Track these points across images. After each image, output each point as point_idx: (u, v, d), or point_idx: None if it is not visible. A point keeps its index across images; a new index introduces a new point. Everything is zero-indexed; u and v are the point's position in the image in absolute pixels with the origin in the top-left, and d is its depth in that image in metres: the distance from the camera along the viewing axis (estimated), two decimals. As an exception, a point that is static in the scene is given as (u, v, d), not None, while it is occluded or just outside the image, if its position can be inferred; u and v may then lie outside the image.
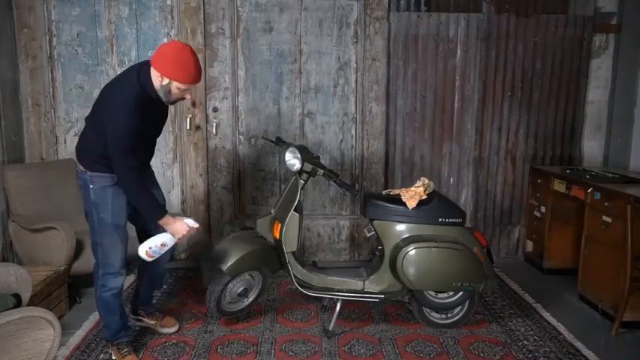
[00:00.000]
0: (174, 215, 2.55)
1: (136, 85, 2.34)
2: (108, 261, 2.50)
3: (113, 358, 2.64)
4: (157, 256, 2.57)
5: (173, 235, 2.53)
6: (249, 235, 3.05)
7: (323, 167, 2.93)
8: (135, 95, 2.32)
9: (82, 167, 2.51)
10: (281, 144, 3.16)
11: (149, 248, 2.52)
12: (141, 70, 2.37)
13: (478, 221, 4.37)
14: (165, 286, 3.61)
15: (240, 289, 2.98)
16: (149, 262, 2.59)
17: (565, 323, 3.11)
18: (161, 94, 2.37)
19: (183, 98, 2.47)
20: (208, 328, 3.02)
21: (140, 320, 2.94)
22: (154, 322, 2.93)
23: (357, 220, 4.23)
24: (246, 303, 3.05)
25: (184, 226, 2.53)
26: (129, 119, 2.29)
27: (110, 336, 2.64)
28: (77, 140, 2.59)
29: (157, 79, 2.33)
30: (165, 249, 2.58)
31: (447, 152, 4.29)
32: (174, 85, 2.34)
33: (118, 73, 3.94)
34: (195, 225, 2.59)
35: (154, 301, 3.19)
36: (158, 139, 4.09)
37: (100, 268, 2.52)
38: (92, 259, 2.59)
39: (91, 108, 2.55)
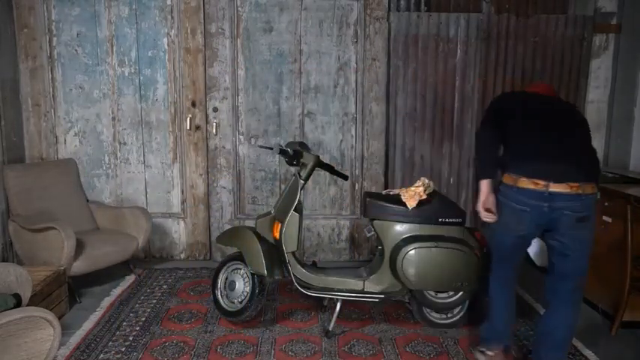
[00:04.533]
0: None
1: None
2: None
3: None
4: None
5: None
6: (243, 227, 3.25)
7: (308, 149, 3.01)
8: None
9: (588, 191, 2.26)
10: (282, 153, 2.99)
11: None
12: None
13: (478, 221, 4.36)
14: (165, 286, 3.62)
15: (229, 281, 3.05)
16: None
17: (565, 323, 3.11)
18: None
19: None
20: (208, 328, 3.02)
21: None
22: None
23: (357, 220, 4.23)
24: (242, 298, 3.01)
25: None
26: None
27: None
28: (579, 161, 2.31)
29: None
30: None
31: (447, 152, 4.29)
32: None
33: (118, 72, 4.04)
34: None
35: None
36: (158, 140, 4.12)
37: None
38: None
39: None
